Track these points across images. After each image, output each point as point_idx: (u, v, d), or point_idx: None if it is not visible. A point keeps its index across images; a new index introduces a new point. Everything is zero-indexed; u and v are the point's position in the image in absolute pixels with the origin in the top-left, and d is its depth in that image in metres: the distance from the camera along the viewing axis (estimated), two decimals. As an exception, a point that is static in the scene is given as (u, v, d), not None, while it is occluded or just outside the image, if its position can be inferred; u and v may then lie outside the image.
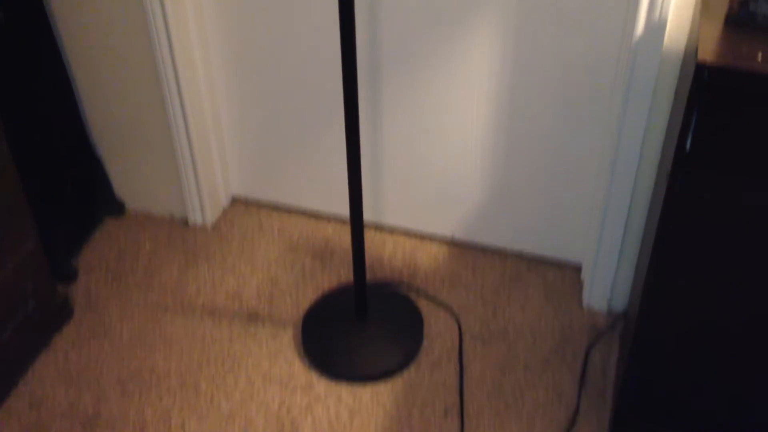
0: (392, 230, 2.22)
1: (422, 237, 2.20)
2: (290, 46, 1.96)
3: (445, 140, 1.99)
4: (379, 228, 2.23)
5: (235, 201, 2.34)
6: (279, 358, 1.88)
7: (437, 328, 1.94)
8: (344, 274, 2.09)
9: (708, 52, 1.17)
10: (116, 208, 2.29)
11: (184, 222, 2.27)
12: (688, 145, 1.24)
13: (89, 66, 2.04)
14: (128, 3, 1.89)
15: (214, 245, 2.19)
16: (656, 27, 1.54)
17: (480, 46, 1.80)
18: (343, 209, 2.24)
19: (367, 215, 2.22)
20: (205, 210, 2.21)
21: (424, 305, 2.00)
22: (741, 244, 1.30)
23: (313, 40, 1.92)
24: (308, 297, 2.03)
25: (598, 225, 1.87)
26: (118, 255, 2.17)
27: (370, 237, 2.21)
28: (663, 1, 1.51)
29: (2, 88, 1.85)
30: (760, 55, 1.16)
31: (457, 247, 2.16)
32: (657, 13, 1.52)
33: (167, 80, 1.97)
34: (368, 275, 2.09)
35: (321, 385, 1.82)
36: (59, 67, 2.03)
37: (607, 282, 1.93)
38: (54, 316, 1.94)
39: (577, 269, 2.09)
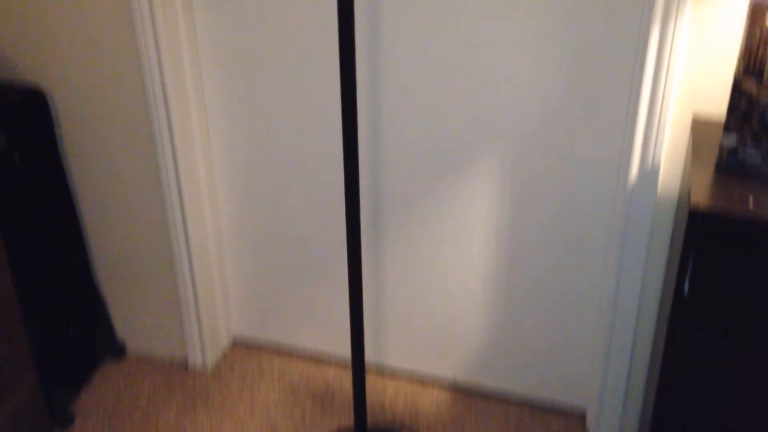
0: (394, 372, 2.20)
1: (424, 380, 2.17)
2: (295, 186, 2.00)
3: (447, 281, 2.00)
4: (380, 369, 2.21)
5: (236, 342, 2.33)
6: (276, 507, 1.82)
7: (439, 476, 1.89)
8: (345, 418, 2.05)
9: (701, 198, 1.20)
10: (117, 350, 2.28)
11: (184, 364, 2.25)
12: (686, 289, 1.25)
13: (98, 207, 2.09)
14: (140, 146, 1.96)
15: (213, 389, 2.17)
16: (649, 174, 1.59)
17: (480, 189, 1.84)
18: (345, 350, 2.23)
19: (369, 355, 2.20)
20: (205, 352, 2.20)
21: (426, 452, 1.95)
22: (744, 387, 1.28)
23: (318, 182, 1.98)
24: (307, 443, 1.99)
25: (601, 370, 1.85)
26: (117, 398, 2.14)
27: (371, 381, 2.18)
28: (654, 150, 1.56)
29: (11, 227, 1.89)
30: (751, 200, 1.19)
31: (460, 392, 2.13)
32: (649, 161, 1.57)
33: (174, 224, 2.00)
34: (369, 420, 2.04)
35: None
36: (69, 210, 2.07)
37: (613, 430, 1.88)
38: (47, 461, 1.89)
39: (582, 416, 2.05)
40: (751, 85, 1.24)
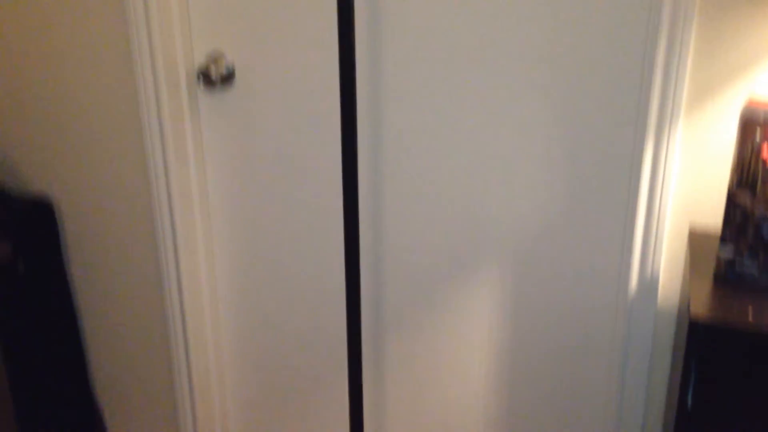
0: (394, 490, 2.14)
1: (425, 498, 2.11)
2: (294, 310, 2.01)
3: (448, 396, 1.98)
4: (380, 488, 2.15)
5: (233, 457, 2.29)
6: None
7: None
8: None
9: (701, 309, 1.21)
10: (111, 463, 2.24)
11: (180, 479, 2.20)
12: (689, 401, 1.24)
13: (99, 318, 2.09)
14: (143, 259, 1.97)
15: (208, 505, 2.11)
16: (649, 286, 1.59)
17: (480, 302, 1.84)
18: (344, 467, 2.18)
19: (369, 473, 2.16)
20: (202, 466, 2.15)
21: None
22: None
23: (318, 302, 1.98)
24: None
25: (606, 486, 1.81)
26: None
27: (371, 497, 2.12)
28: (653, 262, 1.57)
29: (12, 335, 1.88)
30: (750, 311, 1.20)
31: None
32: (648, 273, 1.58)
33: (175, 338, 2.00)
34: None
35: None
36: (70, 319, 2.07)
37: None
38: None
39: None
40: (745, 198, 1.27)
